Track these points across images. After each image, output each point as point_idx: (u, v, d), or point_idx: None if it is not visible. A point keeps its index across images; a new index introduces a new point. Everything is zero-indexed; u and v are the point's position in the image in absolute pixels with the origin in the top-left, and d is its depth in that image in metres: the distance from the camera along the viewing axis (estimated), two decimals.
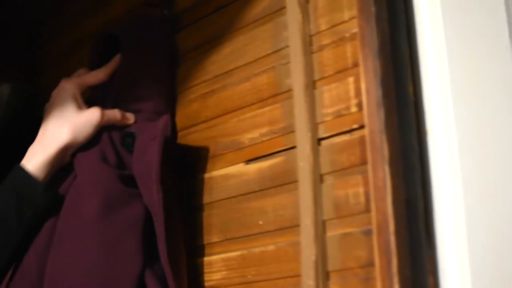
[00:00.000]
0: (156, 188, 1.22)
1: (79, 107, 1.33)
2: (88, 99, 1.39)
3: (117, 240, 1.22)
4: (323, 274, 1.10)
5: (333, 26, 1.16)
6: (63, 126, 1.30)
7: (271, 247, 1.19)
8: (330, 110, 1.14)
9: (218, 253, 1.28)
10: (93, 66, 1.43)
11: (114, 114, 1.33)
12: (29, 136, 1.35)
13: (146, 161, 1.25)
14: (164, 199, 1.22)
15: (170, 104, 1.40)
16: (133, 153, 1.29)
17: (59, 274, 1.22)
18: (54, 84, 1.66)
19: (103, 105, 1.35)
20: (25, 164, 1.28)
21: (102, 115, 1.31)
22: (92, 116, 1.31)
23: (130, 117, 1.35)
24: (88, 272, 1.21)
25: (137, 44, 1.40)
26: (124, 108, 1.35)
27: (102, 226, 1.22)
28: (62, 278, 1.22)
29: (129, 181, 1.28)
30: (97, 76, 1.39)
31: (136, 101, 1.37)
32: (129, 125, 1.35)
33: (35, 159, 1.28)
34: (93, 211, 1.23)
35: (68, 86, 1.35)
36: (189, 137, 1.37)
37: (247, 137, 1.26)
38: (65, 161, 1.31)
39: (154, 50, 1.42)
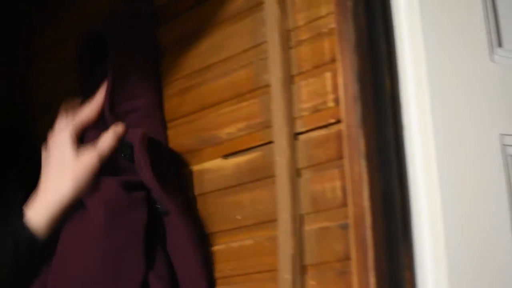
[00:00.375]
0: (166, 199, 1.24)
1: (77, 154, 1.29)
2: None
3: (121, 247, 1.23)
4: (300, 268, 1.11)
5: (311, 21, 1.16)
6: (64, 178, 1.28)
7: (249, 242, 1.19)
8: (307, 105, 1.14)
9: None
10: (79, 64, 1.43)
11: (109, 143, 1.30)
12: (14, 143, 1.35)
13: (146, 178, 1.26)
14: (175, 202, 1.25)
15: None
16: (135, 164, 1.29)
17: (63, 283, 1.23)
18: (38, 79, 1.67)
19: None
20: (28, 216, 1.26)
21: (100, 155, 1.28)
22: (89, 161, 1.28)
23: (122, 130, 1.31)
24: (92, 280, 1.21)
25: (123, 41, 1.39)
26: (120, 110, 1.34)
27: (107, 235, 1.22)
28: (65, 283, 1.22)
29: (132, 186, 1.27)
30: (89, 114, 1.35)
31: (131, 100, 1.36)
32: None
33: (39, 213, 1.26)
34: (98, 221, 1.23)
35: (64, 133, 1.32)
36: (168, 132, 1.37)
37: (225, 132, 1.26)
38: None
39: (139, 46, 1.41)
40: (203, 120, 1.30)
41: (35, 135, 1.61)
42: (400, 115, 1.10)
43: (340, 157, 1.08)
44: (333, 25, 1.12)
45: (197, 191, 1.29)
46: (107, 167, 1.29)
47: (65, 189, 1.26)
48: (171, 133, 1.36)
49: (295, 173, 1.13)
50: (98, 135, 1.31)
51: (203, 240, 1.27)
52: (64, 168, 1.29)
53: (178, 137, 1.35)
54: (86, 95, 1.39)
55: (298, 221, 1.12)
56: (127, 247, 1.23)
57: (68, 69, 1.53)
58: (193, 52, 1.34)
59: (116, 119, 1.32)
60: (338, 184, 1.09)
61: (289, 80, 1.17)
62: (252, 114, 1.22)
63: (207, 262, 1.25)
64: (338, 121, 1.10)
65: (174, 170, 1.33)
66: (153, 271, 1.23)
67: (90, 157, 1.28)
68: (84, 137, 1.34)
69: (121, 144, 1.31)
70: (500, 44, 1.20)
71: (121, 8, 1.51)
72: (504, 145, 1.14)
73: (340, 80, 1.08)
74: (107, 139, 1.29)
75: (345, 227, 1.06)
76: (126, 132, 1.31)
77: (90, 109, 1.35)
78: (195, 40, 1.34)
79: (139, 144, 1.26)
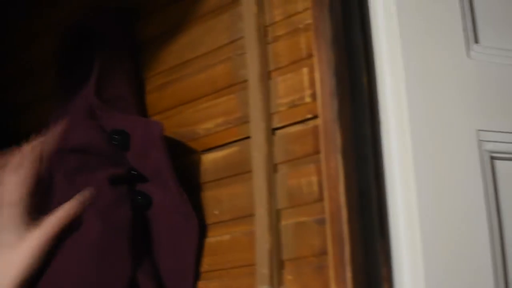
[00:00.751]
0: (177, 191, 1.23)
1: (30, 229, 1.20)
2: (66, 92, 1.39)
3: (108, 245, 1.21)
4: (278, 262, 1.11)
5: (288, 17, 1.17)
6: (17, 258, 1.18)
7: (226, 237, 1.19)
8: (284, 100, 1.15)
9: None
10: (61, 58, 1.43)
11: (70, 214, 1.21)
12: None
13: (153, 165, 1.25)
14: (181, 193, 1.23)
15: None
16: (131, 152, 1.27)
17: (52, 283, 1.21)
18: (16, 76, 1.65)
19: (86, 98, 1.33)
20: None
21: (57, 227, 1.20)
22: (46, 234, 1.19)
23: (87, 199, 1.24)
24: (81, 279, 1.20)
25: (108, 34, 1.40)
26: (106, 95, 1.33)
27: (97, 234, 1.21)
28: (55, 286, 1.21)
29: (119, 180, 1.27)
30: (30, 173, 1.23)
31: (117, 88, 1.35)
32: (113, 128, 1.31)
33: None
34: (89, 221, 1.22)
35: (16, 206, 1.21)
36: None
37: (202, 128, 1.26)
38: None
39: (122, 40, 1.42)
40: (181, 116, 1.30)
41: (16, 131, 1.61)
42: (377, 110, 1.10)
43: (317, 152, 1.09)
44: (309, 21, 1.12)
45: None
46: (92, 161, 1.29)
47: (18, 269, 1.17)
48: None
49: (272, 168, 1.14)
50: (85, 124, 1.30)
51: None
52: (16, 248, 1.19)
53: None
54: (64, 91, 1.39)
55: (275, 216, 1.12)
56: (115, 244, 1.22)
57: (49, 64, 1.53)
58: (171, 47, 1.34)
59: (103, 104, 1.31)
60: (314, 179, 1.09)
61: (266, 76, 1.17)
62: (229, 110, 1.22)
63: (197, 255, 1.24)
64: (315, 116, 1.10)
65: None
66: (141, 268, 1.23)
67: (46, 231, 1.19)
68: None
69: (111, 130, 1.29)
70: (476, 41, 1.20)
71: (102, 2, 1.51)
72: (480, 140, 1.14)
73: (317, 76, 1.09)
74: (68, 209, 1.21)
75: (321, 222, 1.06)
76: (115, 118, 1.30)
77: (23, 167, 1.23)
78: (173, 35, 1.34)
79: (159, 135, 1.24)
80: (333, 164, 1.05)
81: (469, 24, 1.20)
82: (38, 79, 1.63)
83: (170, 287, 1.24)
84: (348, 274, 1.01)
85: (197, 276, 1.22)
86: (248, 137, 1.18)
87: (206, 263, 1.22)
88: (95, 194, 1.23)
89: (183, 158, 1.28)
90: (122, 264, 1.21)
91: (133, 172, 1.26)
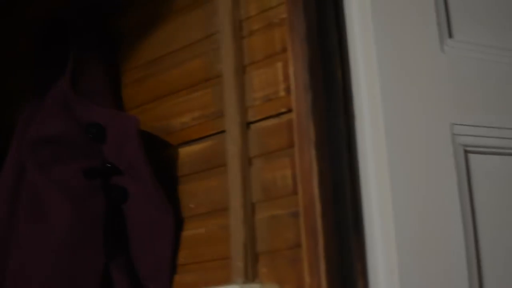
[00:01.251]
0: (153, 184, 1.23)
1: None
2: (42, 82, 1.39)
3: (80, 237, 1.22)
4: (252, 256, 1.11)
5: (263, 11, 1.17)
6: None
7: (201, 230, 1.20)
8: (259, 95, 1.15)
9: None
10: (37, 53, 1.43)
11: None
12: None
13: (128, 159, 1.25)
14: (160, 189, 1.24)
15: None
16: (107, 145, 1.28)
17: (22, 275, 1.22)
18: None
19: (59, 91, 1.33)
20: None
21: None
22: None
23: None
24: (52, 270, 1.20)
25: (83, 29, 1.40)
26: (82, 89, 1.33)
27: (69, 226, 1.21)
28: (25, 278, 1.21)
29: (93, 172, 1.27)
30: None
31: (91, 82, 1.35)
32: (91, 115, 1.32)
33: None
34: (62, 212, 1.22)
35: None
36: None
37: (179, 121, 1.26)
38: None
39: (98, 35, 1.42)
40: (157, 110, 1.31)
41: None
42: (351, 104, 1.11)
43: (291, 146, 1.09)
44: (284, 15, 1.13)
45: None
46: (66, 152, 1.29)
47: None
48: None
49: (247, 161, 1.14)
50: (59, 115, 1.30)
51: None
52: None
53: None
54: (40, 85, 1.39)
55: (249, 209, 1.13)
56: (87, 237, 1.22)
57: (25, 61, 1.53)
58: (148, 42, 1.35)
59: (78, 97, 1.31)
60: (288, 172, 1.09)
61: (241, 70, 1.17)
62: (205, 104, 1.23)
63: (173, 248, 1.24)
64: (289, 110, 1.11)
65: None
66: (114, 262, 1.23)
67: None
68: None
69: (87, 123, 1.29)
70: (450, 35, 1.21)
71: None
72: (454, 134, 1.15)
73: (291, 70, 1.09)
74: None
75: (295, 215, 1.07)
76: (91, 111, 1.30)
77: None
78: (149, 30, 1.35)
79: (135, 129, 1.25)
80: (307, 157, 1.05)
81: (443, 19, 1.21)
82: (11, 78, 1.63)
83: (147, 280, 1.24)
84: (322, 267, 1.02)
85: (173, 269, 1.23)
86: (223, 131, 1.18)
87: (182, 256, 1.22)
88: (68, 185, 1.24)
89: (159, 152, 1.29)
90: (94, 257, 1.21)
91: (108, 165, 1.27)
